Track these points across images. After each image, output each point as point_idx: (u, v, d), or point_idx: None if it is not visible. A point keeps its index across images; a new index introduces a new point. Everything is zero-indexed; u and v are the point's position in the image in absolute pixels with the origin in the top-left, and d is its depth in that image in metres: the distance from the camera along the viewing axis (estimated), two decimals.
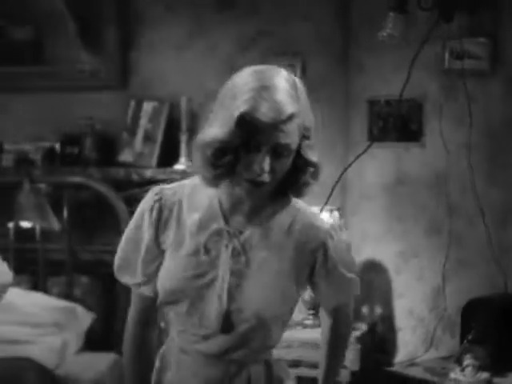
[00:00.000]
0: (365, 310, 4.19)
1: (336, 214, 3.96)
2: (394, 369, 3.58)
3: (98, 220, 4.28)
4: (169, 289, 2.09)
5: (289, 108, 1.95)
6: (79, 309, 4.12)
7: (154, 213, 2.14)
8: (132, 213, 4.03)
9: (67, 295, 4.23)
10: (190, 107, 4.26)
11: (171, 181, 3.76)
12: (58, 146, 4.38)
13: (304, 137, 2.03)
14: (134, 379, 2.25)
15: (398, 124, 4.01)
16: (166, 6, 4.35)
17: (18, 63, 4.48)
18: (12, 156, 4.38)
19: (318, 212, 3.53)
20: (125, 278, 2.20)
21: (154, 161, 4.26)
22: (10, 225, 4.23)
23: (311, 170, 2.06)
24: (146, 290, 2.17)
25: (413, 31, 3.72)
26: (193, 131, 4.26)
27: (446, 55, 3.77)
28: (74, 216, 4.26)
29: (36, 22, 4.41)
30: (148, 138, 4.30)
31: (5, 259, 4.15)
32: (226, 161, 1.99)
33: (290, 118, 1.95)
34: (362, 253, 4.19)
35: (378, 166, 4.12)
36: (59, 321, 4.02)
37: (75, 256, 4.27)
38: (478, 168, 3.72)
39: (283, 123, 1.94)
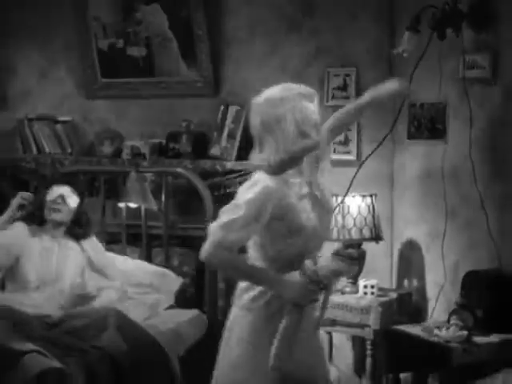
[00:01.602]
0: (405, 282, 4.95)
1: (368, 198, 4.72)
2: (399, 327, 4.31)
3: (189, 203, 5.25)
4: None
5: None
6: (171, 274, 5.10)
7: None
8: (215, 197, 5.06)
9: (166, 263, 5.24)
10: None
11: (246, 171, 4.78)
12: (163, 143, 5.43)
13: None
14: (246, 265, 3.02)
15: (428, 124, 4.72)
16: (248, 29, 5.27)
17: (134, 75, 5.52)
18: (129, 150, 5.46)
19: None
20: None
21: (234, 155, 5.20)
22: (121, 205, 5.29)
23: None
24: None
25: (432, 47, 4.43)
26: None
27: (460, 66, 4.44)
28: (171, 199, 5.27)
29: (147, 42, 5.45)
30: (231, 136, 5.24)
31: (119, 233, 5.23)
32: None
33: None
34: (404, 234, 4.95)
35: (414, 160, 4.85)
36: (154, 283, 5.03)
37: (171, 231, 5.28)
38: (482, 162, 4.37)
39: None
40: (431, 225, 4.74)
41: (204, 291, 5.13)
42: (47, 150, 5.62)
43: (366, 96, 3.41)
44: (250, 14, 5.27)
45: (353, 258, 3.08)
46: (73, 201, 4.75)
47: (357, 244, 4.64)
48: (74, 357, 3.87)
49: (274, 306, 3.01)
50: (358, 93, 4.94)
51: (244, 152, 5.14)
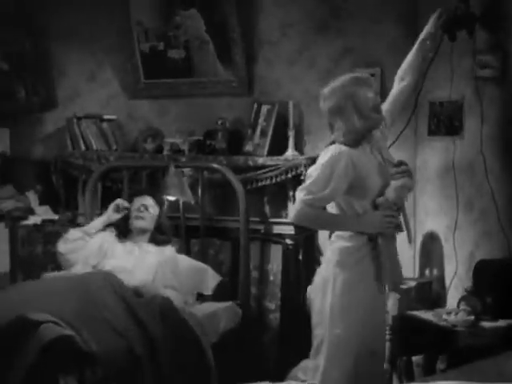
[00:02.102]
0: (426, 271, 5.21)
1: None
2: (413, 313, 4.57)
3: (224, 196, 5.58)
4: None
5: None
6: (210, 271, 5.42)
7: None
8: (247, 191, 5.36)
9: (203, 253, 5.59)
10: (296, 109, 5.47)
11: (277, 166, 5.09)
12: (201, 139, 5.76)
13: None
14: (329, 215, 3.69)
15: (446, 121, 4.97)
16: (279, 31, 5.57)
17: (174, 76, 5.87)
18: (169, 147, 5.81)
19: None
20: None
21: (266, 150, 5.50)
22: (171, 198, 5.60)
23: None
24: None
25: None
26: (298, 128, 5.48)
27: (475, 66, 4.68)
28: (208, 193, 5.60)
29: (186, 45, 5.79)
30: (263, 133, 5.55)
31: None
32: None
33: None
34: (425, 225, 5.21)
35: (434, 155, 5.10)
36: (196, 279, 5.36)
37: (208, 223, 5.62)
38: (493, 157, 4.60)
39: None
40: (450, 216, 4.98)
41: (238, 279, 5.45)
42: (94, 146, 6.00)
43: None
44: (280, 16, 5.56)
45: (408, 170, 3.66)
46: (154, 209, 5.24)
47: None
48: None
49: (366, 262, 3.63)
50: (382, 92, 5.22)
51: (276, 148, 5.48)
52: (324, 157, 3.67)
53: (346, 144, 3.65)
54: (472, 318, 4.26)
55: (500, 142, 4.60)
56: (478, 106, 4.67)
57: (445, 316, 4.33)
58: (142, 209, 5.21)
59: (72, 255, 5.16)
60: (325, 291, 3.73)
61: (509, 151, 4.55)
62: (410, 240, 3.85)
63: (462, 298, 4.41)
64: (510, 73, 4.53)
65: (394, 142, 4.58)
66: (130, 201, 5.30)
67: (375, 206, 3.67)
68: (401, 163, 3.79)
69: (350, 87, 3.71)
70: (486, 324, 4.29)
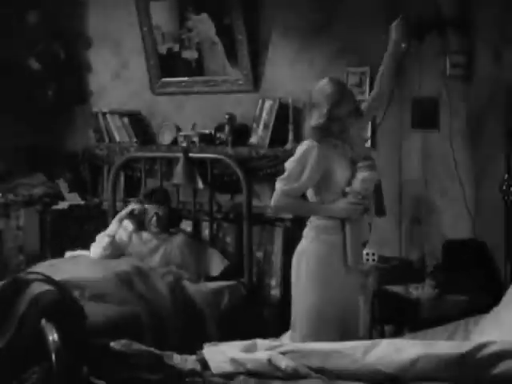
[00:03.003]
0: (410, 251, 5.72)
1: None
2: (387, 287, 5.10)
3: (230, 183, 6.15)
4: None
5: None
6: (218, 255, 5.96)
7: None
8: (251, 179, 5.89)
9: (213, 235, 6.17)
10: (294, 105, 6.01)
11: (277, 156, 5.64)
12: (213, 132, 6.34)
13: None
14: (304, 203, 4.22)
15: (426, 116, 5.47)
16: (281, 33, 6.09)
17: (187, 75, 6.44)
18: (183, 139, 6.40)
19: None
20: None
21: (267, 142, 6.06)
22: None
23: None
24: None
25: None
26: (297, 122, 6.02)
27: (447, 65, 5.18)
28: (214, 180, 6.18)
29: (198, 46, 6.36)
30: (266, 126, 6.10)
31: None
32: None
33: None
34: (409, 210, 5.72)
35: (416, 146, 5.60)
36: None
37: (217, 207, 6.20)
38: (463, 148, 5.10)
39: None
40: (429, 202, 5.49)
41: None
42: (117, 139, 6.62)
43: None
44: (282, 20, 6.08)
45: (372, 165, 4.15)
46: (164, 212, 5.83)
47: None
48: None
49: (337, 240, 4.15)
50: (372, 88, 5.73)
51: (278, 140, 6.04)
52: (299, 150, 4.19)
53: (312, 138, 4.17)
54: (436, 291, 4.78)
55: (468, 134, 5.11)
56: (452, 102, 5.18)
57: (411, 289, 4.85)
58: (154, 220, 5.81)
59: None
60: (300, 263, 4.27)
61: (475, 143, 5.06)
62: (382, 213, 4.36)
63: (429, 274, 4.93)
64: (477, 71, 5.03)
65: (373, 134, 5.12)
66: (146, 196, 5.88)
67: (344, 195, 4.20)
68: (367, 158, 4.31)
69: (325, 89, 4.20)
70: (449, 297, 4.80)
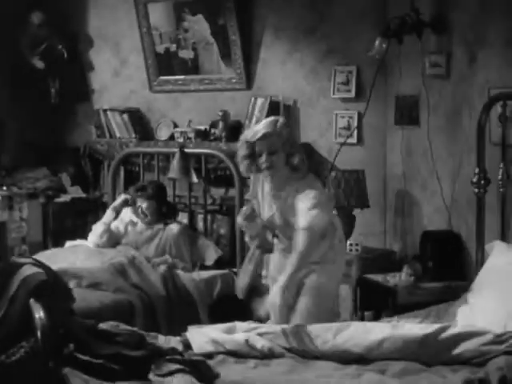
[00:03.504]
0: (394, 242, 5.99)
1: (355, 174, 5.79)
2: (367, 275, 5.36)
3: (223, 176, 6.42)
4: None
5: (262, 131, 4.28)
6: (212, 246, 6.24)
7: None
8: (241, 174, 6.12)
9: (206, 226, 6.44)
10: (285, 102, 6.29)
11: None
12: (208, 128, 6.61)
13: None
14: None
15: (407, 113, 5.73)
16: (273, 34, 6.37)
17: (184, 73, 6.74)
18: (180, 135, 6.68)
19: None
20: None
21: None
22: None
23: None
24: None
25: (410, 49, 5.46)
26: (288, 119, 6.29)
27: (427, 65, 5.44)
28: (209, 174, 6.45)
29: (194, 46, 6.64)
30: (257, 123, 6.36)
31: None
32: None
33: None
34: (392, 203, 5.99)
35: (399, 141, 5.87)
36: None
37: (210, 200, 6.48)
38: (440, 142, 5.36)
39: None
40: (411, 195, 5.76)
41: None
42: (117, 134, 6.91)
43: None
44: (274, 21, 6.35)
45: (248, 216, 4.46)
46: (151, 210, 6.04)
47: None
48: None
49: None
50: (358, 87, 6.03)
51: None
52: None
53: None
54: (412, 279, 5.04)
55: (446, 131, 5.36)
56: (430, 100, 5.44)
57: (389, 278, 5.11)
58: (141, 214, 6.05)
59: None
60: None
61: (452, 139, 5.31)
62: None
63: (407, 263, 5.19)
64: (455, 71, 5.28)
65: (360, 130, 5.40)
66: (136, 190, 6.15)
67: None
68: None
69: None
70: (425, 285, 5.07)
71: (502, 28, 4.79)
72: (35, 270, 3.45)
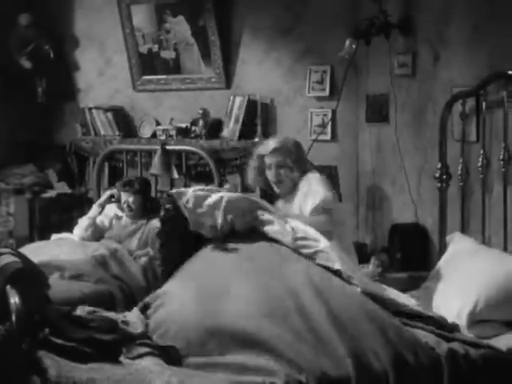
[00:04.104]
0: (366, 235, 6.22)
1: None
2: None
3: (203, 172, 6.65)
4: None
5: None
6: None
7: None
8: (220, 169, 6.37)
9: None
10: (262, 101, 6.52)
11: (246, 148, 6.11)
12: (188, 126, 6.85)
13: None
14: None
15: (378, 111, 5.97)
16: (251, 34, 6.60)
17: (166, 73, 6.98)
18: (162, 133, 6.92)
19: None
20: None
21: (237, 135, 6.57)
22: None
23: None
24: None
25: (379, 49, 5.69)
26: (265, 117, 6.53)
27: (395, 64, 5.67)
28: (189, 170, 6.68)
29: (175, 47, 6.88)
30: (236, 121, 6.61)
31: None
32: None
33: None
34: (364, 197, 6.23)
35: (370, 138, 6.10)
36: None
37: None
38: (408, 139, 5.59)
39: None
40: (382, 190, 5.99)
41: None
42: (102, 132, 7.14)
43: None
44: (252, 22, 6.59)
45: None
46: (136, 205, 6.14)
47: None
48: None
49: None
50: (332, 86, 6.26)
51: (248, 134, 6.54)
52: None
53: None
54: (379, 269, 5.27)
55: (412, 127, 5.59)
56: (398, 98, 5.68)
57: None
58: (126, 208, 6.16)
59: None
60: None
61: (418, 136, 5.55)
62: None
63: (375, 254, 5.42)
64: (419, 70, 5.52)
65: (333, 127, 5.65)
66: (121, 185, 6.36)
67: None
68: None
69: None
70: (391, 275, 5.29)
71: (463, 28, 5.01)
72: (12, 259, 3.69)
